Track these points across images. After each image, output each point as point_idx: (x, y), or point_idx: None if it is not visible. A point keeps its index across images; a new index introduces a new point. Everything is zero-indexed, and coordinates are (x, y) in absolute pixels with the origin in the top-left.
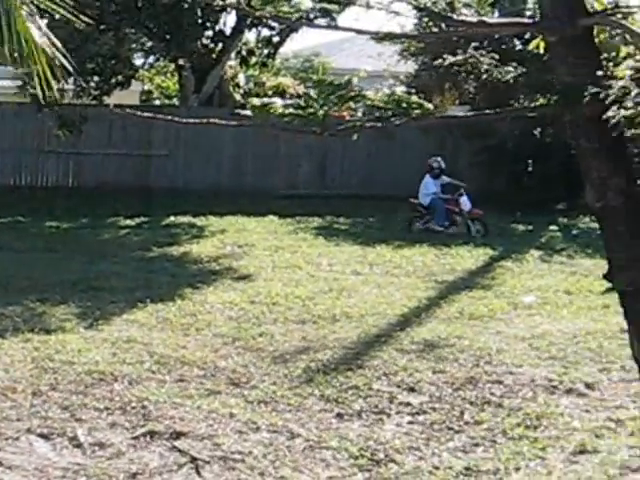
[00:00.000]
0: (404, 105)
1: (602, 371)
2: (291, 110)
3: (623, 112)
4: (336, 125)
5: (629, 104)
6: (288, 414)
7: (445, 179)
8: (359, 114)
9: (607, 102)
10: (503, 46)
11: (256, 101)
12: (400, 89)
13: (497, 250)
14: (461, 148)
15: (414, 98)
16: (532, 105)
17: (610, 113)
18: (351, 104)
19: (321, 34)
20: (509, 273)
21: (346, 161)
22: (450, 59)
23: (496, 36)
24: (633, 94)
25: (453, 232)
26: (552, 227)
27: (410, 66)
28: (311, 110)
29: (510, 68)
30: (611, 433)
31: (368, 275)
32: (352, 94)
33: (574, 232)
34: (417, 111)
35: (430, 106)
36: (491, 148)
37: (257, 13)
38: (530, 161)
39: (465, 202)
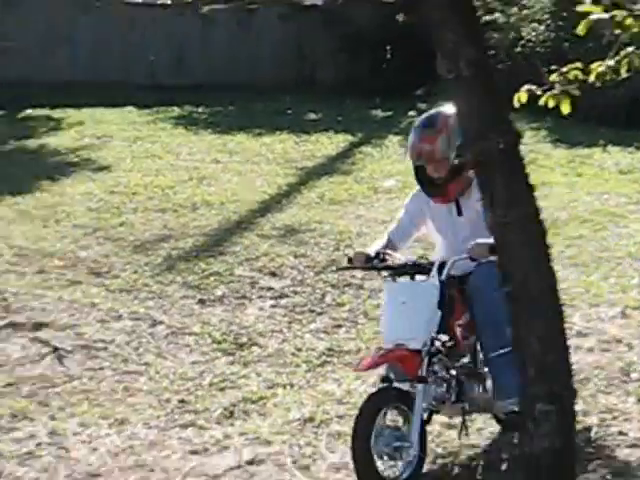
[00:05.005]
0: None
1: None
2: None
3: None
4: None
5: None
6: (150, 302)
7: None
8: None
9: None
10: None
11: None
12: None
13: (356, 136)
14: (320, 36)
15: None
16: None
17: None
18: None
19: None
20: (369, 158)
21: (205, 50)
22: None
23: None
24: None
25: None
26: (411, 113)
27: None
28: None
29: None
30: None
31: (228, 163)
32: None
33: None
34: None
35: None
36: (350, 35)
37: None
38: (389, 47)
39: None
